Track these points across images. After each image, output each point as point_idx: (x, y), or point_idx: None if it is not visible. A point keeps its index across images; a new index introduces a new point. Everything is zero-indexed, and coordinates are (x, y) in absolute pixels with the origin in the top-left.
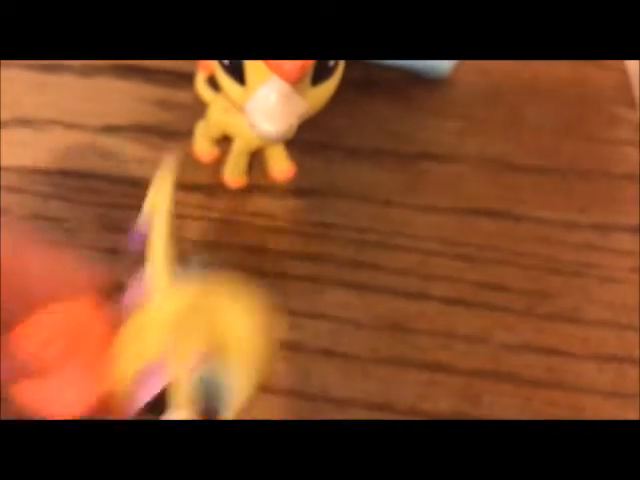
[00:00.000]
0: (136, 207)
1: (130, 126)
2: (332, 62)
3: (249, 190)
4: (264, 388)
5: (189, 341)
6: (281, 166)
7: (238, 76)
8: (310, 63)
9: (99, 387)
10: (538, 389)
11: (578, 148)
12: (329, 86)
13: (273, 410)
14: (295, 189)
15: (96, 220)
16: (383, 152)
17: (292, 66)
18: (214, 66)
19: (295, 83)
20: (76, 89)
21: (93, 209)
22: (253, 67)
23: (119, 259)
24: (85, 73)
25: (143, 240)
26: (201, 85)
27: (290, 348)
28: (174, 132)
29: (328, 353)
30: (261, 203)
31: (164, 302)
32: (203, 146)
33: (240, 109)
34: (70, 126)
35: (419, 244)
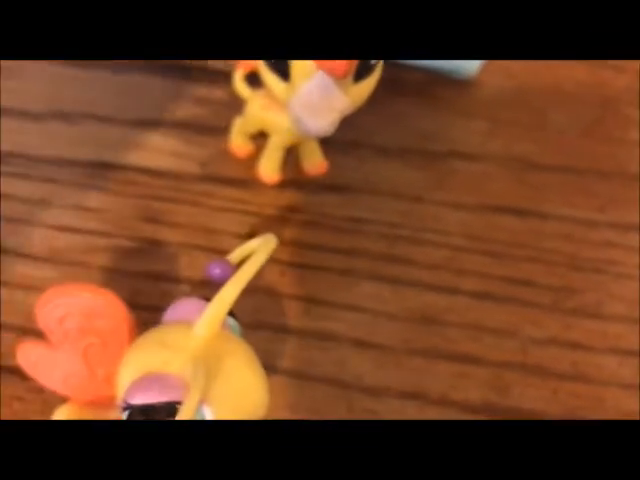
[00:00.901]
0: (174, 199)
1: (165, 121)
2: (373, 60)
3: (284, 185)
4: (301, 376)
5: (200, 376)
6: (314, 161)
7: (282, 72)
8: (355, 60)
9: (99, 377)
10: (563, 382)
11: (597, 149)
12: (370, 83)
13: (309, 397)
14: (328, 185)
15: (136, 211)
16: (412, 150)
17: (338, 62)
18: (256, 62)
19: (341, 79)
20: (111, 85)
21: (133, 200)
22: (298, 63)
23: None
24: (119, 70)
25: (218, 277)
26: (239, 82)
27: (325, 338)
28: (209, 127)
29: (362, 344)
30: (295, 198)
31: (201, 332)
32: (239, 141)
33: (283, 105)
34: (105, 120)
35: (448, 240)
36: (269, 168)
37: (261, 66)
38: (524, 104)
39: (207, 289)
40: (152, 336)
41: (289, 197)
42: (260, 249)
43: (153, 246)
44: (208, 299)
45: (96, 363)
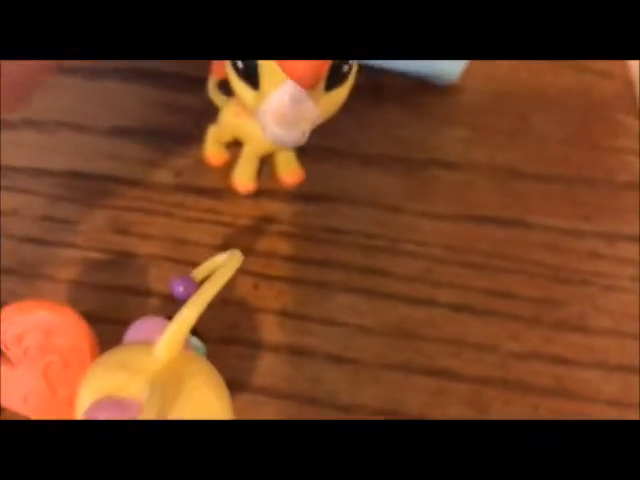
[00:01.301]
0: (146, 210)
1: (139, 129)
2: (346, 68)
3: (258, 195)
4: (274, 394)
5: (155, 399)
6: (290, 170)
7: (251, 80)
8: (325, 68)
9: (60, 396)
10: (545, 397)
11: (583, 156)
12: (342, 92)
13: (282, 415)
14: (304, 194)
15: (106, 222)
16: (392, 158)
17: (307, 71)
18: (227, 70)
19: (310, 88)
20: (84, 92)
21: (103, 211)
22: (267, 71)
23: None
24: (92, 76)
25: (182, 295)
26: (212, 89)
27: (299, 353)
28: (183, 135)
29: (337, 359)
30: (270, 208)
31: (161, 353)
32: (214, 150)
33: (253, 113)
34: (78, 128)
35: (427, 251)
36: (244, 177)
37: (230, 74)
38: (507, 110)
39: (176, 303)
40: (112, 357)
41: (264, 207)
42: (224, 266)
43: (123, 258)
44: (170, 317)
45: (57, 382)
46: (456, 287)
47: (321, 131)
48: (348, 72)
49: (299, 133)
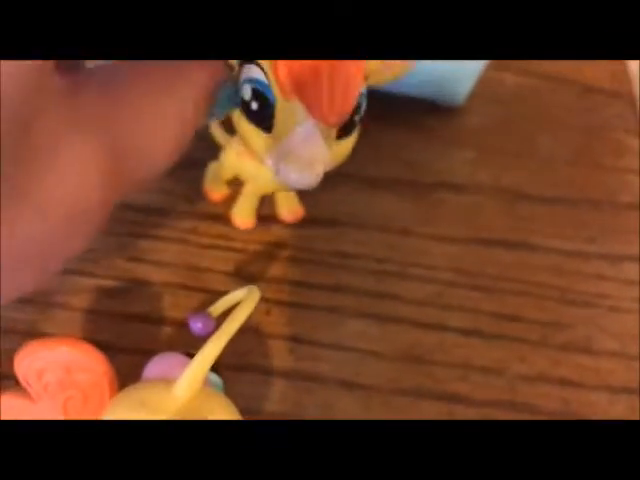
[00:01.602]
0: (159, 237)
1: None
2: (357, 118)
3: (268, 220)
4: (287, 419)
5: None
6: (290, 207)
7: (265, 123)
8: (351, 106)
9: None
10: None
11: (587, 177)
12: (349, 143)
13: None
14: (314, 219)
15: (120, 250)
16: (400, 182)
17: (333, 108)
18: (234, 115)
19: (335, 125)
20: None
21: (116, 239)
22: (284, 113)
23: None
24: None
25: (199, 331)
26: (215, 128)
27: (311, 379)
28: (194, 162)
29: (349, 384)
30: (281, 233)
31: (181, 392)
32: (214, 186)
33: (262, 157)
34: None
35: (436, 274)
36: (243, 214)
37: (239, 118)
38: (512, 131)
39: (190, 331)
40: (132, 394)
41: (274, 232)
42: (242, 304)
43: (137, 286)
44: (189, 353)
45: (76, 416)
46: (465, 311)
47: None
48: (357, 122)
49: (314, 175)
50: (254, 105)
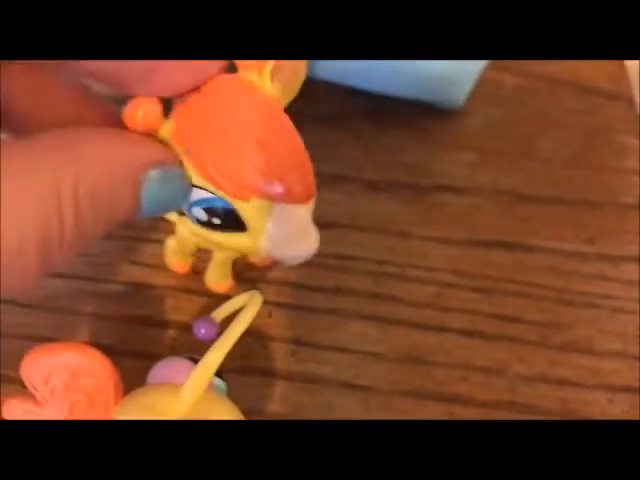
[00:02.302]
0: (161, 241)
1: None
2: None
3: None
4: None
5: None
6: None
7: (237, 226)
8: (309, 170)
9: None
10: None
11: (587, 178)
12: None
13: None
14: (314, 222)
15: (124, 254)
16: (399, 184)
17: (301, 190)
18: (200, 235)
19: (307, 201)
20: None
21: (120, 242)
22: (249, 210)
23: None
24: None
25: (203, 337)
26: None
27: (313, 381)
28: None
29: (350, 386)
30: None
31: (187, 396)
32: (176, 260)
33: (256, 253)
34: None
35: (435, 276)
36: (218, 280)
37: (206, 234)
38: (511, 133)
39: (193, 335)
40: (138, 399)
41: None
42: (246, 308)
43: (140, 289)
44: (193, 357)
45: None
46: (465, 312)
47: (328, 158)
48: None
49: (315, 240)
50: (216, 221)
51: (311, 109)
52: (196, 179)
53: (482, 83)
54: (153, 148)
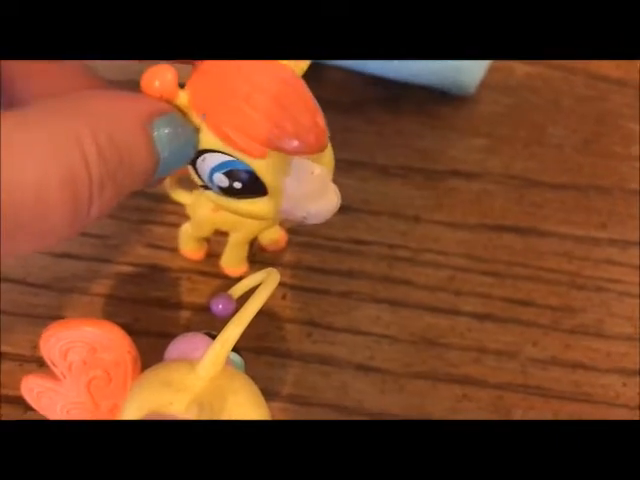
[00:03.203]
0: (176, 224)
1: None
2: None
3: None
4: (303, 402)
5: (203, 414)
6: (273, 236)
7: (258, 190)
8: (319, 117)
9: (102, 409)
10: (565, 403)
11: (597, 164)
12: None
13: None
14: None
15: (138, 236)
16: (412, 169)
17: (314, 136)
18: (222, 203)
19: (318, 147)
20: None
21: (135, 226)
22: (266, 169)
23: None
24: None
25: (220, 312)
26: (173, 189)
27: (326, 363)
28: None
29: (363, 368)
30: None
31: (205, 371)
32: (191, 247)
33: (274, 219)
34: None
35: (448, 260)
36: (234, 263)
37: (226, 202)
38: (523, 120)
39: (209, 315)
40: (156, 374)
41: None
42: (263, 285)
43: (155, 272)
44: (210, 333)
45: (100, 396)
46: (477, 295)
47: (341, 144)
48: None
49: (336, 200)
50: (237, 185)
51: (325, 95)
52: (215, 143)
53: (494, 71)
54: (154, 100)
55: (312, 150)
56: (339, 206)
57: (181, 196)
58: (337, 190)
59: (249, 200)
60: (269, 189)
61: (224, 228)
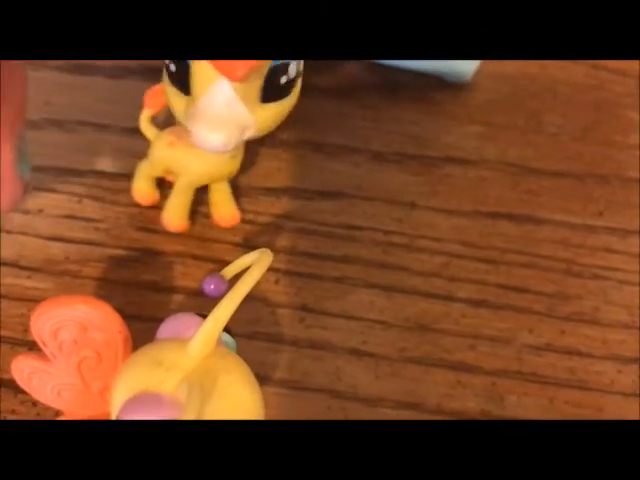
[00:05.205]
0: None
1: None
2: (284, 80)
3: (278, 192)
4: (296, 387)
5: (195, 397)
6: (226, 211)
7: (183, 85)
8: (254, 63)
9: (93, 390)
10: (561, 389)
11: (595, 153)
12: (280, 107)
13: (304, 408)
14: (321, 192)
15: (130, 220)
16: (407, 155)
17: (236, 63)
18: (163, 76)
19: (242, 81)
20: (106, 91)
21: (127, 209)
22: (199, 74)
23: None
24: (114, 75)
25: (212, 292)
26: (144, 122)
27: (320, 347)
28: None
29: (357, 353)
30: (289, 206)
31: (196, 350)
32: (143, 186)
33: (184, 120)
34: (100, 127)
35: (443, 247)
36: (176, 214)
37: (164, 78)
38: (519, 107)
39: (201, 299)
40: (147, 353)
41: (283, 205)
42: (255, 265)
43: (147, 255)
44: (202, 314)
45: (91, 376)
46: (472, 282)
47: (336, 129)
48: (288, 87)
49: (228, 137)
50: (172, 67)
51: (320, 80)
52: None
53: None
54: None
55: (229, 76)
56: (219, 149)
57: (148, 130)
58: (237, 137)
59: (175, 90)
60: (192, 90)
61: (174, 168)
